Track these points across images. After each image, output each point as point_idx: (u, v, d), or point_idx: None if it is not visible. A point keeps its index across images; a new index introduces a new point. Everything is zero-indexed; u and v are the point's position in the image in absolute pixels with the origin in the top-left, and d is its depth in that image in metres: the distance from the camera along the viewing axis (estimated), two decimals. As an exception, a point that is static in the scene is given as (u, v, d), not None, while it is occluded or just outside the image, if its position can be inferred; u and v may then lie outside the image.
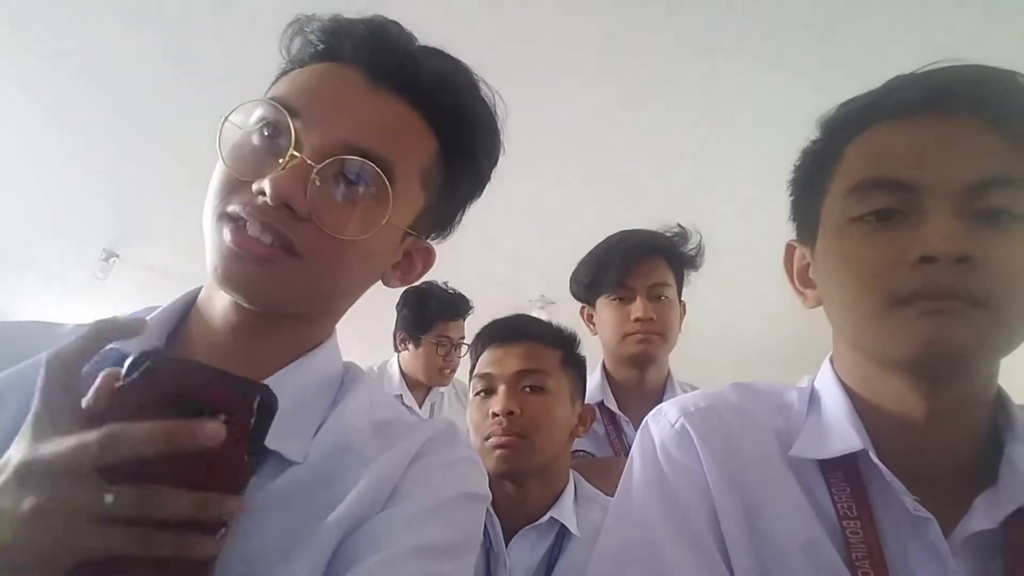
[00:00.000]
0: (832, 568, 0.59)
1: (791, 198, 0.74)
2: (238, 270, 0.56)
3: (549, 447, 1.18)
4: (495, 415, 1.14)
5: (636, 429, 1.44)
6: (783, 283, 0.76)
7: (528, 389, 1.17)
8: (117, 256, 3.84)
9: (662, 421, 0.73)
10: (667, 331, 1.46)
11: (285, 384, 0.58)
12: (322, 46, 0.63)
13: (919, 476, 0.60)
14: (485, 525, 0.80)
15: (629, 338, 1.44)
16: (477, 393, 1.21)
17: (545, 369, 1.20)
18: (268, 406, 0.46)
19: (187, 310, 0.64)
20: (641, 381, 1.50)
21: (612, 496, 1.20)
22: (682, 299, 1.55)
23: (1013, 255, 0.56)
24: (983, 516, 0.58)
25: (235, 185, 0.57)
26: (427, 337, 2.10)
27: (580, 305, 1.60)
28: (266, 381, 0.52)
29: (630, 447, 1.38)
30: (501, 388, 1.17)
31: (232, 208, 0.56)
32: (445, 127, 0.64)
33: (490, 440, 1.14)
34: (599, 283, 1.50)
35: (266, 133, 0.58)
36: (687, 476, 0.67)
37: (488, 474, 1.13)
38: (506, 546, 1.12)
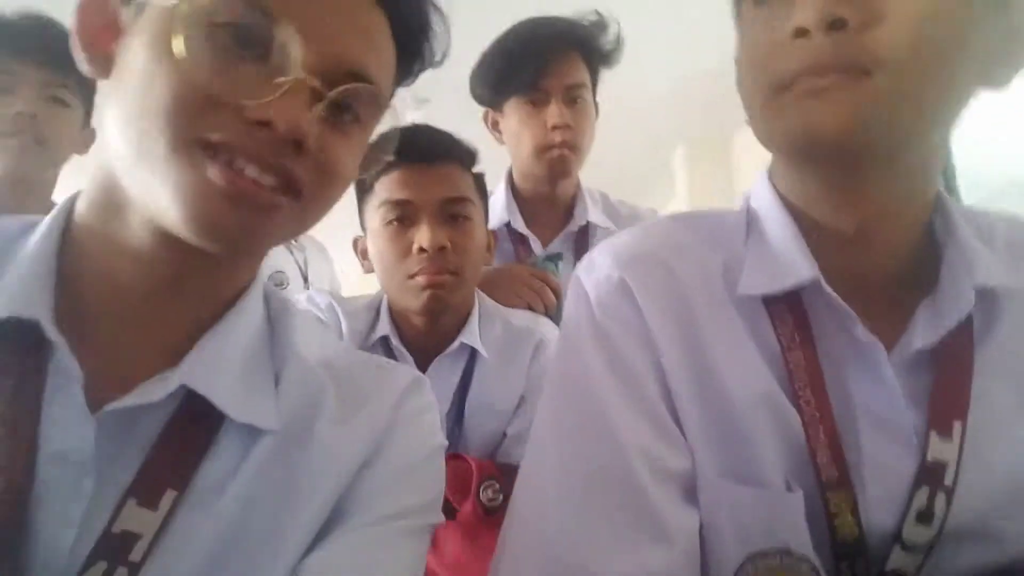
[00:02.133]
0: (779, 406, 0.57)
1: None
2: (230, 219, 0.44)
3: (474, 278, 1.11)
4: (422, 250, 1.01)
5: (544, 245, 1.41)
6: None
7: (451, 218, 1.05)
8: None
9: (595, 274, 0.65)
10: (583, 140, 1.33)
11: (231, 335, 0.52)
12: None
13: (861, 295, 0.57)
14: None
15: (545, 154, 1.31)
16: (389, 221, 1.05)
17: (467, 195, 1.08)
18: None
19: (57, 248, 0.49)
20: (551, 194, 1.40)
21: (509, 306, 1.21)
22: (596, 100, 1.40)
23: (898, 7, 0.47)
24: (924, 331, 0.56)
25: (209, 104, 0.43)
26: None
27: (483, 110, 1.42)
28: (206, 338, 0.50)
29: (535, 264, 1.36)
30: (425, 219, 1.03)
31: (216, 136, 0.43)
32: (408, 38, 0.56)
33: (417, 279, 1.03)
34: (508, 83, 1.31)
35: (258, 35, 0.44)
36: (629, 333, 0.61)
37: (404, 311, 1.07)
38: None
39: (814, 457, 0.55)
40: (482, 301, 1.17)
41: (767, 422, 0.57)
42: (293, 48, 0.44)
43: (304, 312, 0.59)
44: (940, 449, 0.54)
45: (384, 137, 0.57)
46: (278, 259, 1.81)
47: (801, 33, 0.49)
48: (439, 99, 1.62)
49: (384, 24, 0.52)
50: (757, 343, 0.59)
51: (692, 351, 0.59)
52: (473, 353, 1.11)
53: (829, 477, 0.55)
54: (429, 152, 1.05)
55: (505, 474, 0.94)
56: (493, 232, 1.20)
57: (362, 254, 1.14)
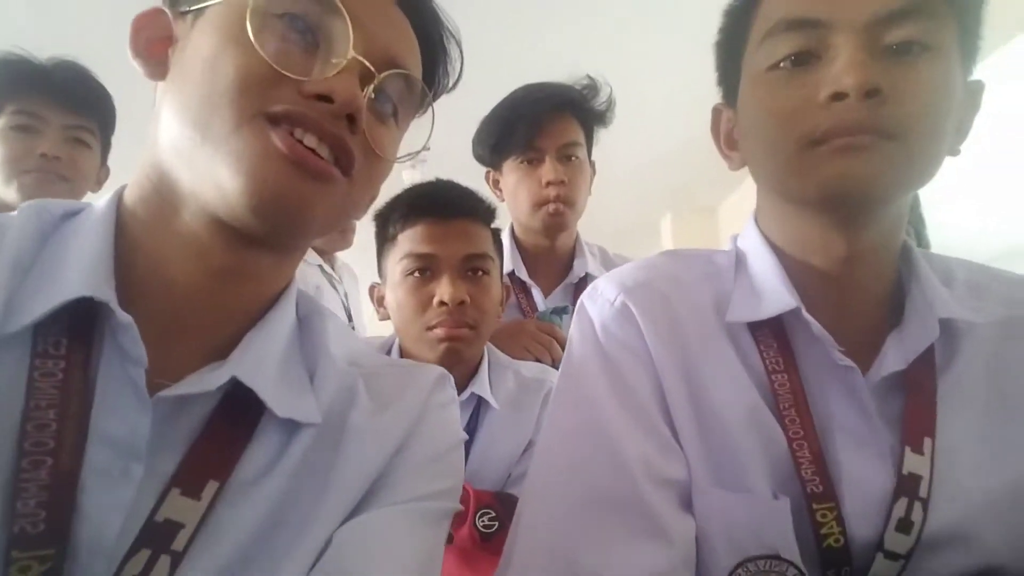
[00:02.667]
0: (765, 423, 0.62)
1: (716, 62, 0.72)
2: (290, 184, 0.46)
3: (489, 333, 1.14)
4: (443, 304, 1.04)
5: (545, 295, 1.46)
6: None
7: (470, 272, 1.09)
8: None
9: (600, 300, 0.71)
10: (578, 195, 1.39)
11: (273, 334, 0.54)
12: None
13: (840, 325, 0.63)
14: None
15: (541, 209, 1.37)
16: (410, 273, 1.08)
17: (487, 251, 1.11)
18: None
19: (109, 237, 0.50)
20: (551, 247, 1.47)
21: (517, 358, 1.25)
22: (592, 158, 1.48)
23: (922, 86, 0.56)
24: (893, 358, 0.61)
25: (274, 79, 0.47)
26: None
27: (484, 170, 1.50)
28: (252, 334, 0.52)
29: (541, 318, 1.40)
30: (446, 273, 1.06)
31: (278, 108, 0.46)
32: (427, 58, 0.60)
33: (436, 331, 1.05)
34: (505, 144, 1.39)
35: (317, 22, 0.49)
36: (630, 354, 0.66)
37: (416, 359, 1.10)
38: None
39: (799, 471, 0.60)
40: (492, 352, 1.20)
41: (755, 438, 0.61)
42: (347, 34, 0.49)
43: (332, 315, 0.63)
44: (914, 463, 0.59)
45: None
46: (326, 298, 1.85)
47: (840, 97, 0.55)
48: (437, 158, 1.69)
49: (410, 27, 0.57)
50: (745, 366, 0.64)
51: (687, 372, 0.65)
52: (479, 403, 1.13)
53: (814, 490, 0.59)
54: (453, 208, 1.10)
55: (501, 503, 0.96)
56: (507, 286, 1.24)
57: (378, 301, 1.18)
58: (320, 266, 1.92)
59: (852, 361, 0.61)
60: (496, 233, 1.19)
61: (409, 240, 1.08)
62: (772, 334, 0.65)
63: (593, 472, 0.61)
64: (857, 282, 0.64)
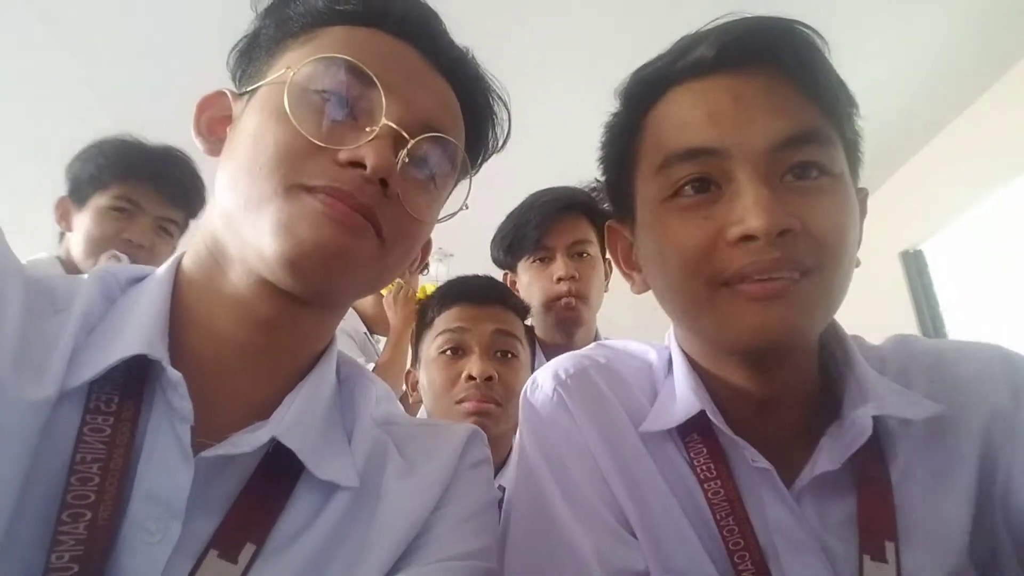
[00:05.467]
0: (703, 536, 0.59)
1: (604, 177, 0.71)
2: (331, 239, 0.48)
3: (516, 416, 1.13)
4: (471, 378, 1.08)
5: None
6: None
7: (500, 354, 1.13)
8: None
9: (537, 392, 0.71)
10: (590, 290, 1.40)
11: (314, 394, 0.55)
12: (353, 8, 0.56)
13: (766, 434, 0.61)
14: None
15: (554, 305, 1.39)
16: (443, 351, 1.13)
17: (517, 335, 1.17)
18: None
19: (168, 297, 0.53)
20: (569, 343, 1.45)
21: None
22: (606, 256, 1.48)
23: (829, 214, 0.54)
24: (828, 456, 0.58)
25: (310, 151, 0.49)
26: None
27: (503, 272, 1.53)
28: (293, 394, 0.53)
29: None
30: (476, 350, 1.11)
31: (314, 181, 0.49)
32: (473, 121, 0.62)
33: (464, 404, 1.09)
34: (518, 246, 1.44)
35: (351, 94, 0.52)
36: (571, 447, 0.66)
37: None
38: None
39: None
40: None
41: (695, 548, 0.59)
42: (380, 104, 0.51)
43: (374, 378, 0.64)
44: (876, 572, 0.55)
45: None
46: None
47: (748, 238, 0.53)
48: (463, 253, 1.74)
49: (451, 92, 0.59)
50: (666, 479, 0.62)
51: (622, 467, 0.63)
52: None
53: None
54: (487, 293, 1.18)
55: None
56: None
57: (412, 386, 1.21)
58: (365, 334, 1.96)
59: (782, 460, 0.59)
60: (530, 329, 1.22)
61: (444, 320, 1.15)
62: (701, 439, 0.62)
63: (551, 568, 0.60)
64: (779, 407, 0.62)
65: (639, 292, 0.69)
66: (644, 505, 0.61)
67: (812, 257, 0.53)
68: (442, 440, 0.61)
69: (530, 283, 1.42)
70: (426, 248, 0.66)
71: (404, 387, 1.23)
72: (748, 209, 0.52)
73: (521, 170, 1.70)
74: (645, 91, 0.62)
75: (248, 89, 0.55)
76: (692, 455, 0.62)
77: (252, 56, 0.58)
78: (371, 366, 1.71)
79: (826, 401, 0.62)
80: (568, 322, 1.40)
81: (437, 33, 0.59)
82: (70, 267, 1.34)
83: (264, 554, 0.47)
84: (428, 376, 1.14)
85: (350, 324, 1.91)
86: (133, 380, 0.47)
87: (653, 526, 0.60)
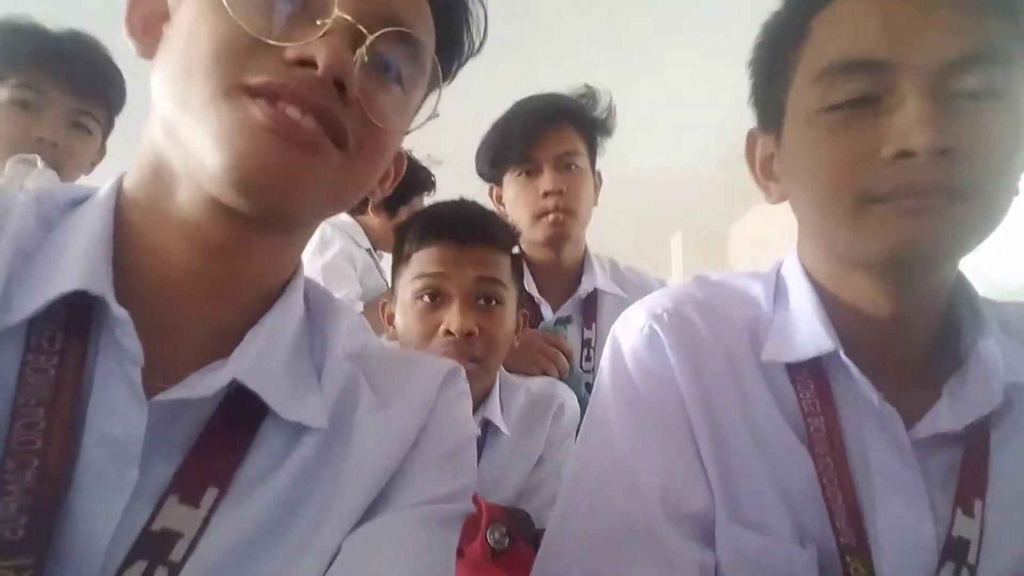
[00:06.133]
0: (798, 465, 0.59)
1: (751, 80, 0.68)
2: (276, 160, 0.43)
3: (499, 364, 1.09)
4: (449, 333, 0.98)
5: (554, 310, 1.40)
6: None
7: (483, 301, 1.03)
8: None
9: (629, 327, 0.70)
10: (578, 204, 1.35)
11: (278, 330, 0.51)
12: None
13: (884, 370, 0.59)
14: None
15: (541, 220, 1.34)
16: (420, 296, 1.02)
17: (502, 279, 1.05)
18: None
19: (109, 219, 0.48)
20: (557, 260, 1.41)
21: (528, 375, 1.19)
22: (596, 169, 1.43)
23: (994, 140, 0.52)
24: (949, 415, 0.57)
25: (253, 48, 0.43)
26: (403, 209, 1.88)
27: (488, 186, 1.46)
28: (255, 330, 0.49)
29: (546, 328, 1.35)
30: (456, 300, 1.00)
31: (258, 79, 0.43)
32: (445, 21, 0.56)
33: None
34: (503, 157, 1.36)
35: None
36: (659, 382, 0.65)
37: None
38: None
39: (832, 519, 0.56)
40: (501, 374, 1.14)
41: (784, 479, 0.59)
42: None
43: (347, 309, 0.60)
44: (964, 526, 0.55)
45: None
46: (371, 282, 1.82)
47: (907, 155, 0.51)
48: (453, 160, 1.67)
49: None
50: (780, 406, 0.61)
51: (714, 405, 0.62)
52: (487, 427, 1.07)
53: (847, 541, 0.55)
54: (470, 231, 1.04)
55: (513, 518, 0.91)
56: (524, 314, 1.18)
57: (388, 319, 1.12)
58: (369, 250, 1.89)
59: (894, 407, 0.58)
60: (517, 259, 1.13)
61: (421, 261, 1.03)
62: (810, 375, 0.61)
63: (610, 508, 0.61)
64: (904, 329, 0.61)
65: (775, 203, 0.68)
66: (736, 447, 0.60)
67: (970, 182, 0.51)
68: (419, 374, 0.58)
69: (516, 197, 1.36)
70: (398, 163, 0.61)
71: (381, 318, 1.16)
72: (910, 124, 0.51)
73: (513, 81, 1.60)
74: None
75: None
76: (800, 389, 0.61)
77: None
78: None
79: (945, 352, 0.61)
80: (555, 238, 1.36)
81: None
82: None
83: (228, 498, 0.44)
84: (404, 321, 1.05)
85: (352, 243, 1.83)
86: (77, 316, 0.43)
87: (739, 469, 0.60)
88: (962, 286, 0.64)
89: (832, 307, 0.62)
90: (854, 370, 0.59)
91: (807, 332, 0.62)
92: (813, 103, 0.57)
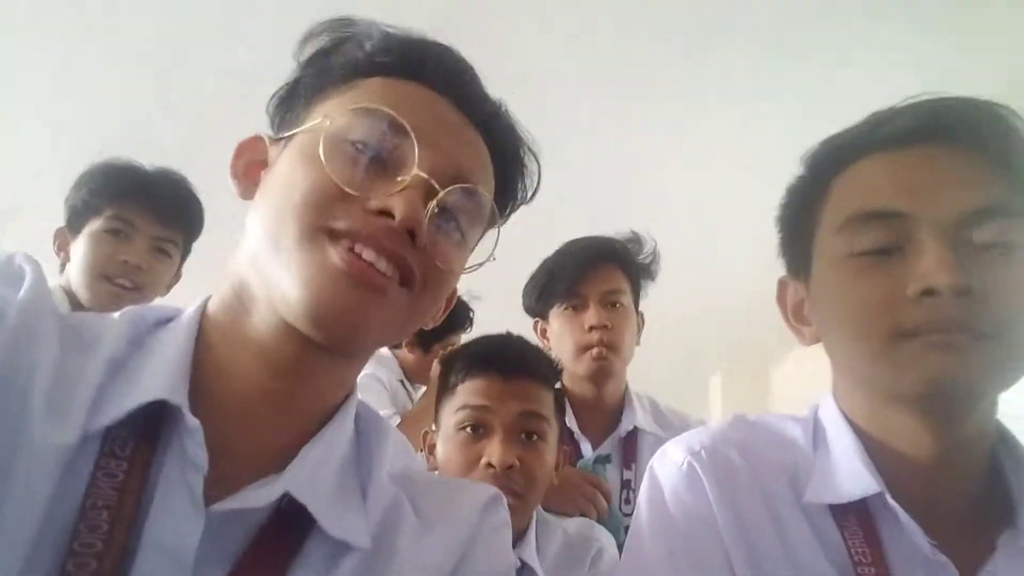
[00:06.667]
0: None
1: (780, 235, 0.74)
2: (346, 296, 0.48)
3: (538, 502, 1.08)
4: (490, 466, 0.99)
5: (594, 447, 1.39)
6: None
7: (524, 435, 1.03)
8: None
9: (668, 464, 0.70)
10: (622, 341, 1.37)
11: (330, 447, 0.53)
12: (392, 61, 0.57)
13: (931, 516, 0.58)
14: None
15: (585, 354, 1.36)
16: (463, 427, 1.03)
17: (545, 414, 1.06)
18: None
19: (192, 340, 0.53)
20: (599, 397, 1.42)
21: (565, 515, 1.17)
22: (639, 310, 1.47)
23: (1011, 286, 0.55)
24: (1009, 567, 0.56)
25: (338, 197, 0.49)
26: (437, 345, 1.93)
27: (533, 320, 1.50)
28: (309, 447, 0.51)
29: (585, 467, 1.33)
30: (499, 433, 1.01)
31: (341, 224, 0.49)
32: (503, 171, 0.62)
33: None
34: (550, 293, 1.42)
35: (385, 144, 0.52)
36: (699, 521, 0.64)
37: None
38: None
39: None
40: (538, 513, 1.12)
41: None
42: (412, 153, 0.51)
43: (393, 431, 0.62)
44: None
45: None
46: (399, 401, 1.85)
47: (930, 293, 0.54)
48: (491, 297, 1.73)
49: (483, 144, 0.59)
50: (826, 553, 0.60)
51: (755, 547, 0.61)
52: (521, 568, 1.03)
53: None
54: (515, 365, 1.06)
55: None
56: (564, 449, 1.18)
57: (429, 449, 1.12)
58: (402, 381, 1.94)
59: (947, 556, 0.56)
60: (559, 395, 1.14)
61: (466, 392, 1.05)
62: (857, 521, 0.60)
63: None
64: (951, 471, 0.60)
65: (808, 345, 0.71)
66: None
67: (992, 325, 0.54)
68: (461, 500, 0.60)
69: (561, 331, 1.39)
70: (450, 298, 0.65)
71: (421, 448, 1.16)
72: (931, 266, 0.54)
73: (558, 219, 1.69)
74: (835, 157, 0.66)
75: (285, 135, 0.56)
76: (848, 535, 0.60)
77: (291, 104, 0.59)
78: (397, 420, 1.68)
79: (993, 503, 0.60)
80: (598, 373, 1.37)
81: (472, 86, 0.60)
82: (72, 297, 1.32)
83: None
84: (445, 452, 1.05)
85: (387, 371, 1.89)
86: (151, 424, 0.47)
87: None
88: (1004, 435, 0.63)
89: (873, 449, 0.62)
90: (902, 515, 0.57)
91: (850, 473, 0.61)
92: (839, 250, 0.62)
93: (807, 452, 0.67)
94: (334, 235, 0.48)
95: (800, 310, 0.71)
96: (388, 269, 0.49)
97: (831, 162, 0.66)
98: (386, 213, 0.49)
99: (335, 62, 0.57)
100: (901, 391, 0.58)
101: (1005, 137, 0.58)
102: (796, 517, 0.62)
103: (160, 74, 2.34)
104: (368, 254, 0.48)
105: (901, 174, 0.59)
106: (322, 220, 0.49)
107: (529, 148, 0.65)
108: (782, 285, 0.74)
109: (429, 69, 0.57)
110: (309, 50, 0.59)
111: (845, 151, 0.65)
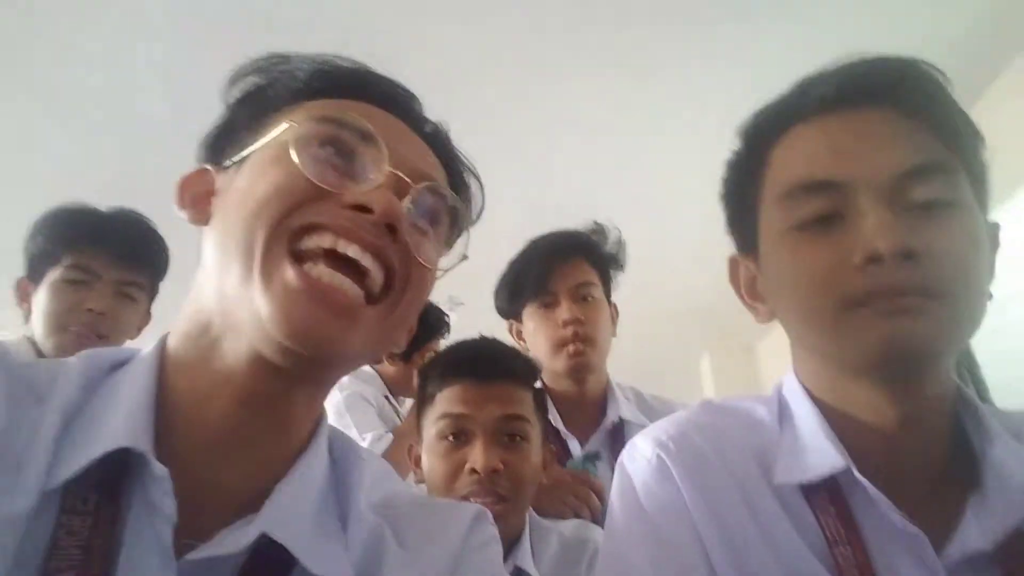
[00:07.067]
0: None
1: (725, 212, 0.73)
2: (316, 313, 0.46)
3: (527, 503, 1.06)
4: (475, 471, 0.97)
5: (581, 444, 1.38)
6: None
7: (507, 438, 1.02)
8: None
9: (637, 458, 0.69)
10: (596, 334, 1.36)
11: (306, 481, 0.51)
12: (334, 84, 0.57)
13: (900, 485, 0.58)
14: None
15: (561, 351, 1.35)
16: (444, 436, 1.02)
17: (526, 415, 1.05)
18: None
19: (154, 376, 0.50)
20: (581, 392, 1.41)
21: (560, 517, 1.15)
22: (611, 300, 1.46)
23: (955, 242, 0.55)
24: (979, 532, 0.55)
25: (313, 194, 0.49)
26: (416, 355, 1.92)
27: (508, 322, 1.49)
28: (284, 483, 0.49)
29: (575, 466, 1.32)
30: (480, 439, 1.00)
31: (321, 219, 0.48)
32: (451, 180, 0.62)
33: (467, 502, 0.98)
34: (520, 293, 1.41)
35: (353, 146, 0.52)
36: (672, 513, 0.63)
37: None
38: None
39: None
40: (532, 518, 1.11)
41: None
42: (382, 156, 0.51)
43: (369, 455, 0.60)
44: None
45: None
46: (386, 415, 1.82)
47: (875, 260, 0.54)
48: (474, 302, 1.73)
49: (434, 155, 0.59)
50: (800, 533, 0.59)
51: (729, 533, 0.60)
52: (518, 575, 1.02)
53: None
54: (491, 369, 1.05)
55: None
56: (550, 448, 1.17)
57: (415, 461, 1.11)
58: (387, 397, 1.91)
59: (918, 526, 0.55)
60: (540, 394, 1.13)
61: (444, 400, 1.04)
62: (829, 499, 0.60)
63: None
64: (912, 439, 0.60)
65: (764, 322, 0.70)
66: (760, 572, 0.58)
67: (938, 283, 0.54)
68: (446, 522, 0.58)
69: (535, 329, 1.39)
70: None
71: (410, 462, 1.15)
72: (872, 231, 0.54)
73: (531, 211, 1.68)
74: (768, 128, 0.65)
75: (239, 157, 0.54)
76: (820, 514, 0.59)
77: (232, 136, 0.57)
78: (390, 438, 1.66)
79: (957, 469, 0.60)
80: (577, 368, 1.36)
81: (413, 103, 0.61)
82: (37, 348, 1.27)
83: None
84: (429, 462, 1.04)
85: (372, 388, 1.87)
86: (113, 475, 0.44)
87: None
88: (964, 398, 0.63)
89: (837, 422, 0.62)
90: (871, 489, 0.57)
91: (816, 450, 0.61)
92: (782, 223, 0.61)
93: (774, 432, 0.66)
94: (299, 257, 0.47)
95: (753, 287, 0.71)
96: (371, 263, 0.49)
97: (765, 133, 0.65)
98: (363, 208, 0.48)
99: (271, 93, 0.57)
100: (857, 361, 0.58)
101: (933, 95, 0.58)
102: (768, 499, 0.61)
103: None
104: (353, 250, 0.48)
105: (833, 140, 0.59)
106: (296, 218, 0.47)
107: (471, 170, 0.65)
108: (733, 263, 0.73)
109: (371, 88, 0.57)
110: (237, 92, 0.58)
111: (777, 120, 0.64)
